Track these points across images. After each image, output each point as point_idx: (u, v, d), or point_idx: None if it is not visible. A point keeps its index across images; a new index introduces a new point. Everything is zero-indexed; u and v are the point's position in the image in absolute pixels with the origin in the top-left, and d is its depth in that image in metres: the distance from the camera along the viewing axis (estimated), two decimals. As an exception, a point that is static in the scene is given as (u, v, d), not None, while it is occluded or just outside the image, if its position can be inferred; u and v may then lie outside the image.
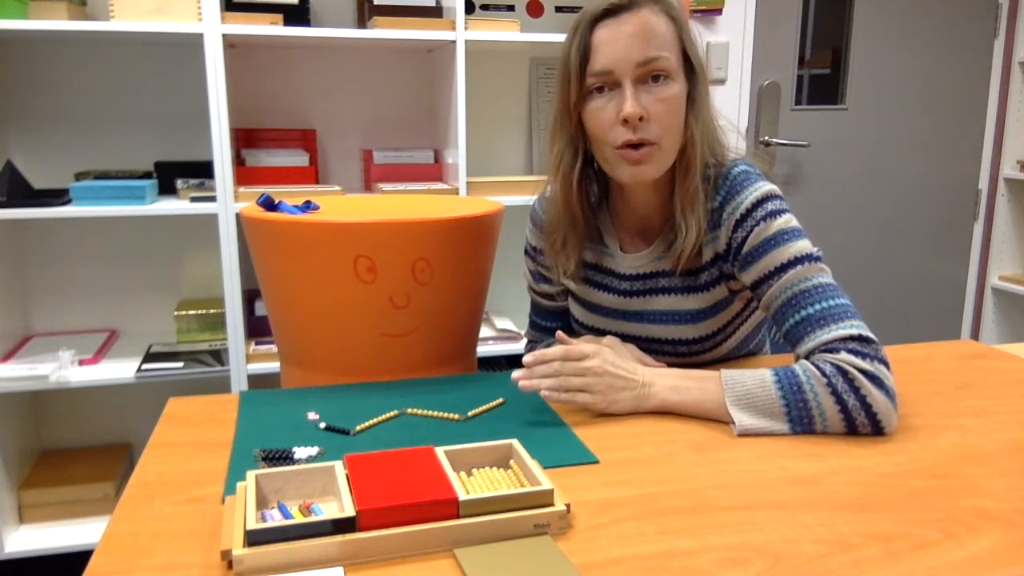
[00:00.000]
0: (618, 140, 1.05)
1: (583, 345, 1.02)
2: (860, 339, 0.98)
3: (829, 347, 0.99)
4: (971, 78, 2.85)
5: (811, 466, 0.88)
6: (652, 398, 1.01)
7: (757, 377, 0.98)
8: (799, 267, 1.05)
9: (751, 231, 1.08)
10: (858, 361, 0.95)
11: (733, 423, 0.96)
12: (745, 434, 0.95)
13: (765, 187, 1.09)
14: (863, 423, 0.95)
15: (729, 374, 0.99)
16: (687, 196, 1.10)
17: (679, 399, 1.00)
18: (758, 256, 1.07)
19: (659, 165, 1.08)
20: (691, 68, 1.08)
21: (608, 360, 1.01)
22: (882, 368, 0.96)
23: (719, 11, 2.48)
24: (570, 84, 1.07)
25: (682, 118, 1.08)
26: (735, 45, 2.54)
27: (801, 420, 0.96)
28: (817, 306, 1.02)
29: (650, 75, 1.04)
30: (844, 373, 0.95)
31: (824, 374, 0.95)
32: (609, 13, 1.05)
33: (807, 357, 1.01)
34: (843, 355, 0.96)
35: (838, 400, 0.94)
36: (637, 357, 1.12)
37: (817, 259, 1.06)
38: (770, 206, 1.08)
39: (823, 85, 2.73)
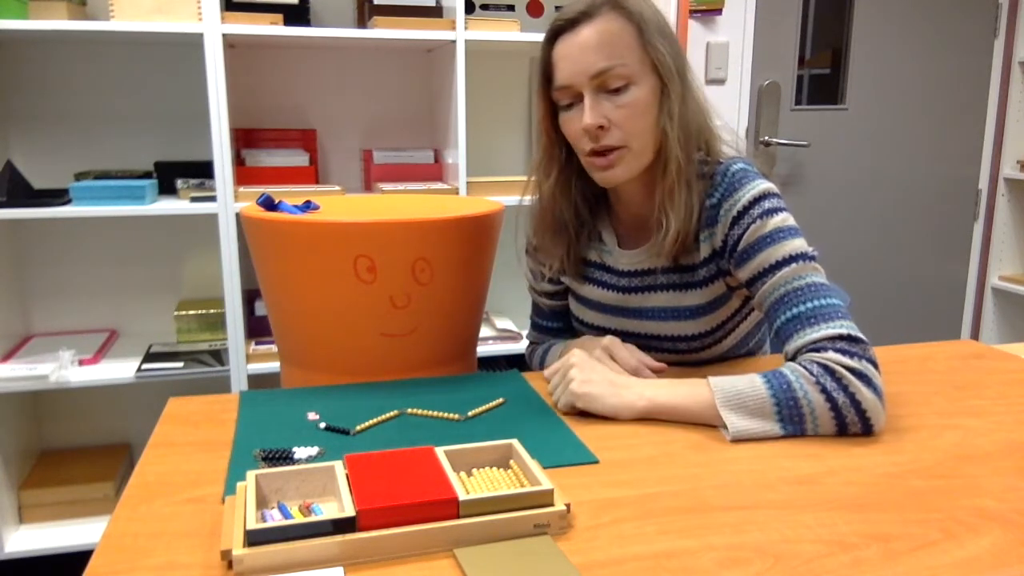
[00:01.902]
0: (585, 149, 1.10)
1: (564, 362, 1.04)
2: (848, 339, 0.98)
3: (816, 346, 0.99)
4: (971, 78, 2.85)
5: (811, 466, 0.88)
6: (638, 402, 0.99)
7: (746, 379, 0.97)
8: (793, 265, 1.05)
9: (748, 228, 1.08)
10: (845, 360, 0.95)
11: (725, 427, 0.95)
12: (738, 438, 0.94)
13: (763, 185, 1.09)
14: (853, 421, 0.95)
15: (716, 378, 0.98)
16: (666, 191, 1.11)
17: (666, 401, 0.99)
18: (754, 253, 1.08)
19: (630, 167, 1.10)
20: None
21: (586, 378, 1.01)
22: (870, 367, 0.96)
23: (719, 11, 2.48)
24: (541, 99, 1.13)
25: (651, 119, 1.08)
26: (735, 45, 2.54)
27: (792, 419, 0.95)
28: (808, 304, 1.02)
29: (608, 83, 1.06)
30: (831, 372, 0.95)
31: (812, 373, 0.95)
32: (565, 27, 1.08)
33: (795, 355, 1.01)
34: (830, 354, 0.96)
35: (828, 398, 0.94)
36: (638, 358, 1.11)
37: (812, 258, 1.06)
38: (767, 204, 1.08)
39: (823, 85, 2.73)
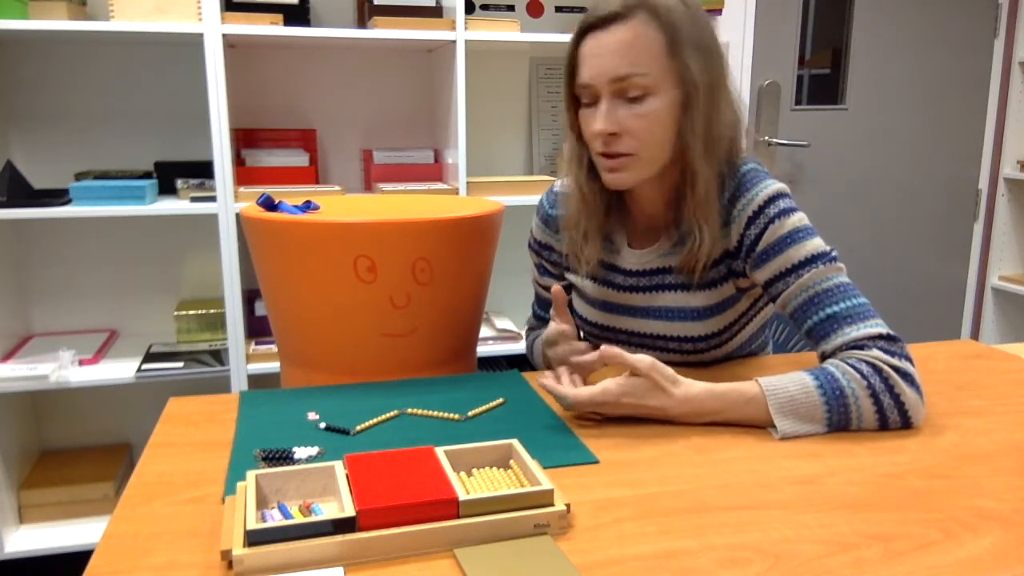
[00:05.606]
0: (596, 150, 1.09)
1: (613, 386, 0.97)
2: (888, 338, 1.00)
3: (859, 344, 1.00)
4: (971, 78, 2.85)
5: (811, 466, 0.88)
6: (690, 416, 0.98)
7: (798, 383, 0.97)
8: (818, 267, 1.05)
9: (765, 229, 1.08)
10: (891, 359, 0.97)
11: (775, 428, 0.95)
12: (786, 438, 0.95)
13: (775, 185, 1.09)
14: (895, 420, 0.97)
15: (768, 381, 0.97)
16: (699, 206, 1.09)
17: (719, 405, 0.97)
18: (773, 254, 1.08)
19: (636, 173, 1.09)
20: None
21: (637, 399, 0.97)
22: (911, 366, 0.98)
23: (719, 11, 2.48)
24: (566, 93, 1.12)
25: (667, 130, 1.06)
26: (735, 45, 2.53)
27: (839, 423, 0.97)
28: (841, 304, 1.03)
29: (626, 91, 1.04)
30: (879, 372, 0.96)
31: (863, 375, 0.96)
32: (597, 24, 1.04)
33: (834, 352, 1.02)
34: (875, 352, 0.98)
35: (875, 401, 0.96)
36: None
37: (834, 259, 1.07)
38: (782, 204, 1.08)
39: (823, 85, 2.73)
